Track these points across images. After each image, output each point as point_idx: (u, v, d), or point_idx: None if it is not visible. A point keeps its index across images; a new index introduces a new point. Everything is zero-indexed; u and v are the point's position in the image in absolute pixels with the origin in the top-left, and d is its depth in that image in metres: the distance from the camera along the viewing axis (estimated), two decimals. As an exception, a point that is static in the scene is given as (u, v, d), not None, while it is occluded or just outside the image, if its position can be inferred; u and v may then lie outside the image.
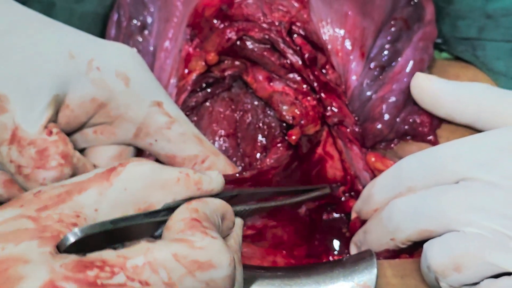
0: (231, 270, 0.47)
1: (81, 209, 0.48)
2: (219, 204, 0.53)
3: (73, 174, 0.61)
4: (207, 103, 0.75)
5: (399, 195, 0.64)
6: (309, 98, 0.72)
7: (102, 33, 0.78)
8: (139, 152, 0.70)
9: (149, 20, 0.76)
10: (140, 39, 0.76)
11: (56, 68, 0.61)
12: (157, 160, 0.70)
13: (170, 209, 0.51)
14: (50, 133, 0.60)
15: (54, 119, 0.61)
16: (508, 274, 0.57)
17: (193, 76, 0.74)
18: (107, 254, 0.45)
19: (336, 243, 0.72)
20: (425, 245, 0.61)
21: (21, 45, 0.61)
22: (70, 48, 0.62)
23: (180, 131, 0.67)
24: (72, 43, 0.63)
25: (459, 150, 0.62)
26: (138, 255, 0.45)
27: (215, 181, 0.54)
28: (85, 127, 0.66)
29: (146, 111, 0.66)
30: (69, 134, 0.65)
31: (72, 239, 0.46)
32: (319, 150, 0.74)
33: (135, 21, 0.76)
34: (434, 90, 0.70)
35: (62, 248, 0.46)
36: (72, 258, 0.44)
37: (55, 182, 0.58)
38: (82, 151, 0.68)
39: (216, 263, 0.46)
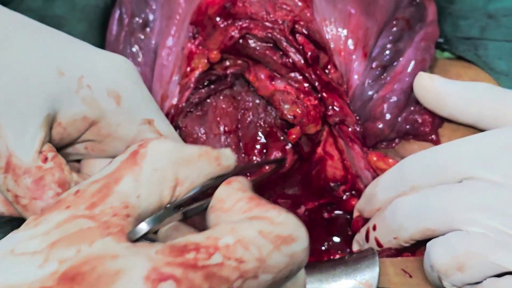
0: (308, 241, 0.48)
1: (126, 198, 0.48)
2: (248, 181, 0.53)
3: None
4: (210, 99, 0.75)
5: (402, 194, 0.64)
6: (310, 97, 0.72)
7: (103, 26, 0.77)
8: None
9: (151, 17, 0.76)
10: (142, 36, 0.76)
11: (46, 87, 0.59)
12: None
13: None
14: (46, 159, 0.58)
15: (47, 139, 0.60)
16: (511, 273, 0.58)
17: (196, 73, 0.74)
18: (194, 238, 0.44)
19: (338, 242, 0.72)
20: (428, 244, 0.61)
21: (7, 62, 0.59)
22: (58, 64, 0.60)
23: None
24: (60, 57, 0.61)
25: (462, 149, 0.62)
26: (226, 234, 0.45)
27: (231, 158, 0.54)
28: (76, 143, 0.64)
29: (137, 129, 0.64)
30: (62, 148, 0.64)
31: (146, 228, 0.45)
32: (319, 150, 0.74)
33: (137, 19, 0.76)
34: (437, 90, 0.70)
35: (133, 240, 0.45)
36: (162, 245, 0.44)
37: None
38: (77, 161, 0.67)
39: (296, 236, 0.47)
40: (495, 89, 0.68)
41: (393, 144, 0.74)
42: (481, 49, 0.77)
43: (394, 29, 0.75)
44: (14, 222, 0.63)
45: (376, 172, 0.73)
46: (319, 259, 0.71)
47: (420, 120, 0.73)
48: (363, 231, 0.68)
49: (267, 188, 0.72)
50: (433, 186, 0.62)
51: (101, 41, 0.77)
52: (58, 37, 0.63)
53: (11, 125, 0.57)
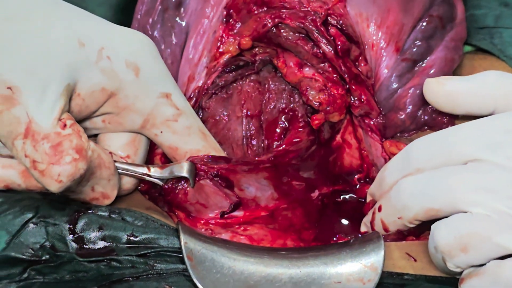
0: None
1: None
2: None
3: (88, 167, 0.61)
4: (236, 83, 0.76)
5: (407, 176, 0.64)
6: (338, 87, 0.72)
7: (123, 11, 0.79)
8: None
9: None
10: (175, 15, 0.75)
11: (66, 57, 0.61)
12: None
13: None
14: (64, 126, 0.60)
15: (67, 108, 0.61)
16: (514, 255, 0.57)
17: (225, 58, 0.74)
18: None
19: (349, 226, 0.72)
20: (433, 226, 0.61)
21: (30, 32, 0.61)
22: (79, 35, 0.62)
23: (186, 124, 0.68)
24: (81, 29, 0.63)
25: (467, 132, 0.62)
26: None
27: None
28: (93, 116, 0.66)
29: (154, 102, 0.66)
30: (80, 121, 0.65)
31: None
32: (338, 137, 0.74)
33: None
34: (449, 92, 0.69)
35: None
36: None
37: (70, 177, 0.59)
38: (95, 136, 0.69)
39: None
40: (505, 76, 0.67)
41: (411, 133, 0.74)
42: (496, 37, 0.77)
43: (428, 25, 0.74)
44: (24, 201, 0.64)
45: (390, 158, 0.73)
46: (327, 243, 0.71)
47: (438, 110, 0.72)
48: (370, 213, 0.68)
49: (283, 169, 0.72)
50: (438, 167, 0.62)
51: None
52: (79, 11, 0.65)
53: (32, 92, 0.59)
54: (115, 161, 0.66)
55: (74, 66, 0.62)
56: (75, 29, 0.63)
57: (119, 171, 0.66)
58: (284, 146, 0.73)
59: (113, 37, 0.65)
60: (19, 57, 0.60)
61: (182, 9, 0.76)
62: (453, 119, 0.73)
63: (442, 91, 0.69)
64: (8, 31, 0.61)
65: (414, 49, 0.74)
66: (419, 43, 0.74)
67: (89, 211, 0.64)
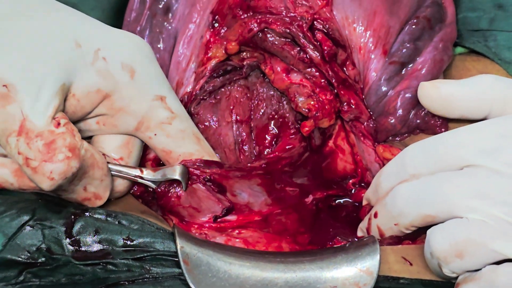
0: None
1: None
2: None
3: (81, 166, 0.61)
4: (224, 88, 0.76)
5: (403, 182, 0.64)
6: (326, 92, 0.72)
7: (116, 15, 0.79)
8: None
9: (173, 2, 0.76)
10: (163, 21, 0.76)
11: (62, 57, 0.62)
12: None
13: None
14: (58, 124, 0.60)
15: (61, 108, 0.62)
16: (509, 260, 0.58)
17: (212, 63, 0.74)
18: None
19: (342, 231, 0.72)
20: (428, 232, 0.61)
21: (27, 31, 0.61)
22: (76, 36, 0.63)
23: (180, 127, 0.68)
24: (78, 30, 0.63)
25: (463, 137, 0.62)
26: None
27: None
28: (88, 117, 0.66)
29: (149, 104, 0.66)
30: (74, 123, 0.65)
31: None
32: (330, 143, 0.74)
33: (160, 2, 0.76)
34: (444, 96, 0.69)
35: None
36: None
37: (62, 175, 0.59)
38: (89, 138, 0.69)
39: None
40: (500, 80, 0.67)
41: (403, 137, 0.74)
42: (491, 40, 0.77)
43: (415, 27, 0.74)
44: (20, 204, 0.64)
45: (384, 163, 0.73)
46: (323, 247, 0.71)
47: (431, 114, 0.72)
48: (366, 219, 0.68)
49: (276, 175, 0.73)
50: (434, 173, 0.62)
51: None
52: (77, 13, 0.66)
53: (27, 90, 0.60)
54: (108, 163, 0.66)
55: (70, 66, 0.62)
56: (72, 30, 0.63)
57: (112, 172, 0.67)
58: (276, 153, 0.73)
59: (109, 39, 0.65)
60: (16, 56, 0.60)
61: (170, 14, 0.76)
62: (446, 122, 0.73)
63: (437, 95, 0.69)
64: (6, 30, 0.61)
65: (402, 52, 0.74)
66: (407, 45, 0.74)
67: (86, 214, 0.64)
